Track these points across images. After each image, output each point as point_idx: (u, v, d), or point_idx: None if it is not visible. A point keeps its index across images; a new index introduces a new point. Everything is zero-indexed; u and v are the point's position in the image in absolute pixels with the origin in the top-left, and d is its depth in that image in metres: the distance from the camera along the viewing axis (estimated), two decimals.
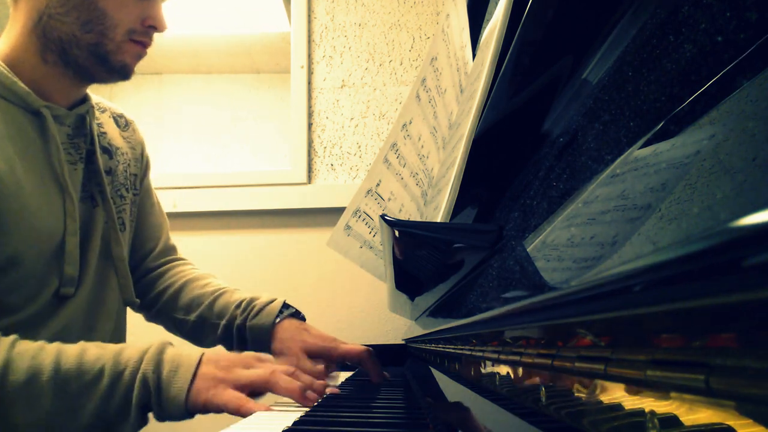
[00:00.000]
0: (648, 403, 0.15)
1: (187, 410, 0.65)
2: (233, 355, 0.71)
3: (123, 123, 0.97)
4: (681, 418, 0.13)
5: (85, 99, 0.86)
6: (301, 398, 0.66)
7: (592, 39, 0.34)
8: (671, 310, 0.13)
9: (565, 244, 0.21)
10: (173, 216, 1.50)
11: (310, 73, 1.56)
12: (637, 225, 0.15)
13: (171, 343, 0.70)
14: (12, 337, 0.65)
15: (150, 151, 1.06)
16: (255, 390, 0.68)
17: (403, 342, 1.18)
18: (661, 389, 0.14)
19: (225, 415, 0.84)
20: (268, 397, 0.76)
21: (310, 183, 1.51)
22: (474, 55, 0.75)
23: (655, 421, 0.14)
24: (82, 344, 0.67)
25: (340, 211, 1.02)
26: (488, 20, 0.75)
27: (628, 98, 0.24)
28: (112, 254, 0.86)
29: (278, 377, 0.67)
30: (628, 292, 0.14)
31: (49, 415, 0.61)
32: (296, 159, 1.52)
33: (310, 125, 1.54)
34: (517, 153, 0.45)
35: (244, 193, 1.49)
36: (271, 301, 0.94)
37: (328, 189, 1.49)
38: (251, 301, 0.94)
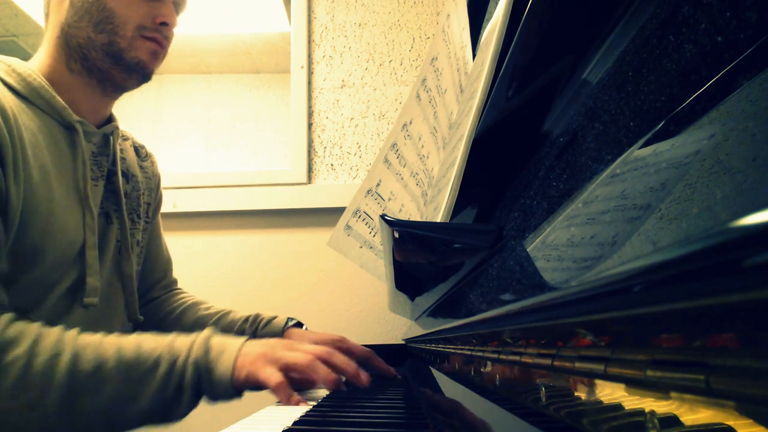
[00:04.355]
0: (648, 403, 0.15)
1: (234, 387, 0.69)
2: (275, 340, 0.76)
3: (143, 154, 1.03)
4: (681, 418, 0.13)
5: (111, 120, 0.91)
6: (335, 387, 0.70)
7: (592, 39, 0.34)
8: (671, 310, 0.13)
9: (565, 244, 0.21)
10: (173, 216, 1.50)
11: (310, 73, 1.56)
12: (637, 225, 0.15)
13: (217, 332, 0.76)
14: (75, 330, 0.69)
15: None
16: (295, 373, 0.72)
17: (403, 342, 1.18)
18: (661, 389, 0.14)
19: (225, 416, 0.84)
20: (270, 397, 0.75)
21: (310, 183, 1.51)
22: (474, 55, 0.75)
23: (655, 421, 0.14)
24: (137, 336, 0.72)
25: (340, 211, 1.02)
26: (488, 20, 0.75)
27: (628, 98, 0.24)
28: (123, 271, 0.90)
29: (317, 365, 0.71)
30: (628, 292, 0.14)
31: (112, 400, 0.67)
32: (296, 159, 1.52)
33: (310, 125, 1.54)
34: (517, 153, 0.45)
35: (245, 193, 1.49)
36: (276, 317, 1.03)
37: (328, 189, 1.49)
38: (258, 315, 1.03)
